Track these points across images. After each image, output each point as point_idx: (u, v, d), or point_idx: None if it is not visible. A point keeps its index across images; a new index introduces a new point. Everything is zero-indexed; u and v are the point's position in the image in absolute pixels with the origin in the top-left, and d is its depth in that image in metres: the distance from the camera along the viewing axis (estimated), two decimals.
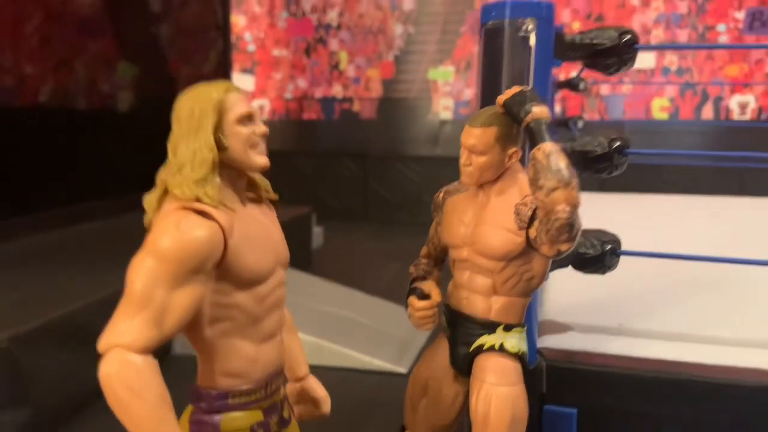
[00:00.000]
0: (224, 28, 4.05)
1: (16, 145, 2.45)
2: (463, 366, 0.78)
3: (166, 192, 0.62)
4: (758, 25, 3.40)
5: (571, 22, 3.61)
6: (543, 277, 0.76)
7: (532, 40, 0.83)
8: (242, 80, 4.19)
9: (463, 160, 0.74)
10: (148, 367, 0.55)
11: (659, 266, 1.29)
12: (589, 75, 3.06)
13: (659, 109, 3.60)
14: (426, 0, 3.94)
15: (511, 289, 0.75)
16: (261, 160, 0.64)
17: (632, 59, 0.90)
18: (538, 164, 0.65)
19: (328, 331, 1.86)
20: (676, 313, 1.11)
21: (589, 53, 0.89)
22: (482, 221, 0.74)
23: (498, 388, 0.74)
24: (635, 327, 1.03)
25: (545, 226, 0.66)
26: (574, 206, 0.64)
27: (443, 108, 3.97)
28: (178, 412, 0.58)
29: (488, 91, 0.86)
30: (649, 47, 3.05)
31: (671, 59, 3.56)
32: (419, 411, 0.83)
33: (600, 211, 1.05)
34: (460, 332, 0.78)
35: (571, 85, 2.35)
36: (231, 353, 0.62)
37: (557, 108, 3.57)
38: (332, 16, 4.07)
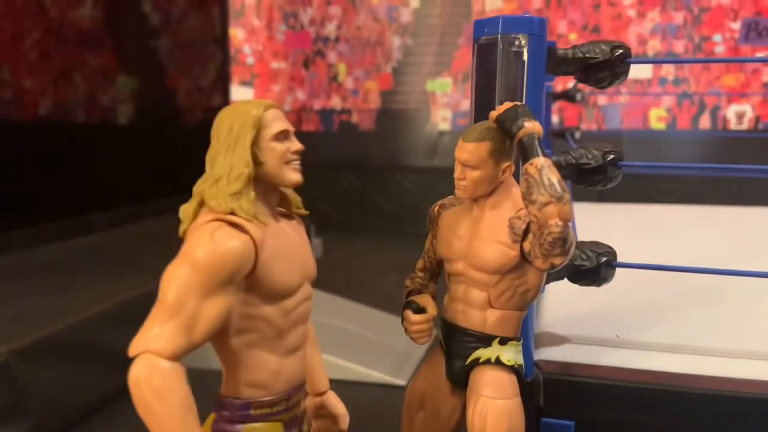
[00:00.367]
0: (223, 41, 4.07)
1: (15, 159, 2.46)
2: (460, 379, 0.78)
3: (201, 203, 0.64)
4: (754, 36, 3.42)
5: (567, 33, 3.63)
6: (538, 290, 0.76)
7: (525, 55, 0.84)
8: (241, 93, 4.20)
9: (457, 174, 0.74)
10: (176, 373, 0.56)
11: (656, 278, 1.30)
12: (586, 85, 3.08)
13: (656, 119, 3.61)
14: (423, 12, 3.96)
15: (507, 303, 0.75)
16: (295, 176, 0.66)
17: (625, 73, 0.91)
18: (531, 179, 0.66)
19: (326, 343, 1.85)
20: (673, 325, 1.11)
21: (582, 67, 0.90)
22: (477, 235, 0.75)
23: (494, 402, 0.74)
24: (632, 339, 1.03)
25: (538, 240, 0.66)
26: (567, 220, 0.65)
27: (441, 119, 3.98)
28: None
29: (481, 106, 0.86)
30: (641, 60, 3.07)
31: (668, 69, 3.57)
32: (416, 425, 0.83)
33: (598, 221, 1.05)
34: (455, 346, 0.78)
35: (568, 95, 2.37)
36: (255, 364, 0.64)
37: (555, 118, 3.58)
38: (330, 29, 4.09)
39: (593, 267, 0.93)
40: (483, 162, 0.73)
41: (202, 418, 0.62)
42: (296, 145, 0.66)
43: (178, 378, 0.56)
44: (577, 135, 2.43)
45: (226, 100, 4.10)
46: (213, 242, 0.58)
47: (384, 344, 1.97)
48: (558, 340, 1.03)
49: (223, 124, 0.65)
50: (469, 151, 0.73)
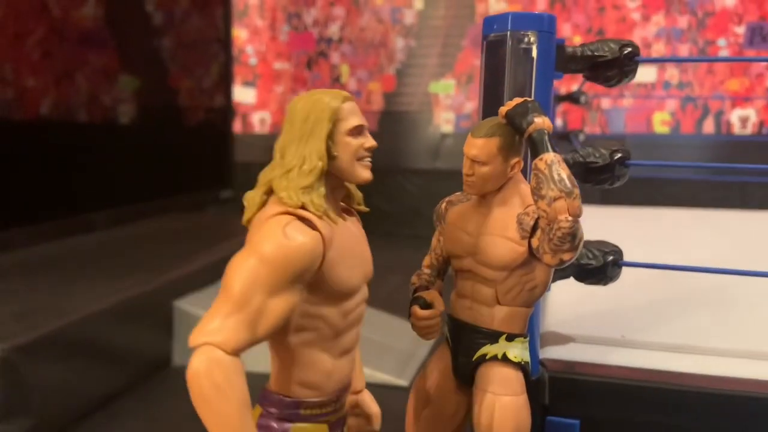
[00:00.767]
0: (226, 41, 4.08)
1: (17, 157, 2.46)
2: (466, 376, 0.78)
3: (268, 193, 0.62)
4: (759, 40, 3.42)
5: (572, 36, 3.63)
6: (545, 286, 0.76)
7: (534, 52, 0.84)
8: (244, 93, 4.20)
9: (465, 170, 0.74)
10: (236, 368, 0.54)
11: (661, 278, 1.30)
12: (590, 88, 3.07)
13: (660, 123, 3.61)
14: (427, 14, 3.96)
15: (514, 299, 0.75)
16: (366, 173, 0.64)
17: (633, 71, 0.90)
18: (540, 174, 0.65)
19: None
20: (678, 325, 1.11)
21: (590, 65, 0.90)
22: (485, 231, 0.75)
23: (501, 398, 0.74)
24: (638, 338, 1.03)
25: (547, 235, 0.66)
26: (577, 216, 0.65)
27: (444, 121, 3.98)
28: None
29: (490, 103, 0.86)
30: (650, 60, 3.07)
31: (672, 73, 3.58)
32: (421, 421, 0.82)
33: (601, 224, 1.05)
34: (462, 342, 0.78)
35: (572, 98, 2.37)
36: (310, 364, 0.62)
37: (558, 121, 3.58)
38: (334, 30, 4.09)
39: (600, 266, 0.93)
40: (492, 158, 0.72)
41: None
42: (370, 141, 0.64)
43: (238, 373, 0.54)
44: (581, 138, 2.43)
45: (228, 101, 4.11)
46: (285, 237, 0.56)
47: (386, 345, 1.97)
48: (563, 339, 1.03)
49: (298, 112, 0.62)
50: (478, 147, 0.73)
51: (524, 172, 0.77)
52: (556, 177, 0.65)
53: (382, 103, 4.07)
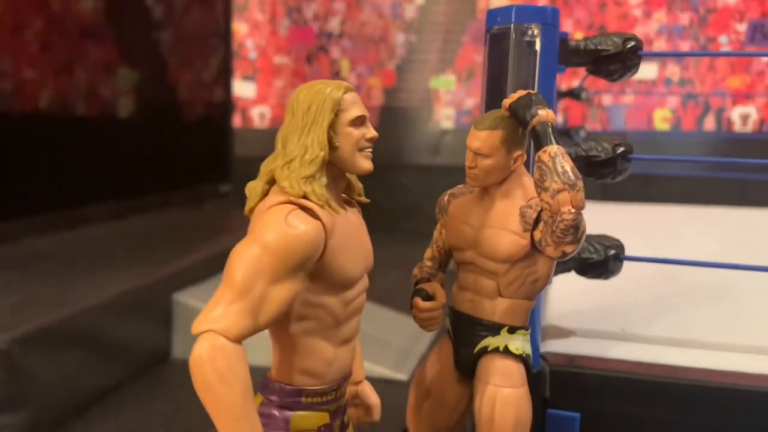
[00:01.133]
0: (226, 35, 4.07)
1: (16, 149, 2.45)
2: (467, 368, 0.78)
3: (269, 182, 0.62)
4: (760, 38, 3.42)
5: (573, 32, 3.62)
6: (547, 279, 0.76)
7: (537, 45, 0.84)
8: (243, 87, 4.20)
9: (468, 162, 0.74)
10: (239, 355, 0.54)
11: (662, 273, 1.30)
12: (591, 85, 3.07)
13: (661, 120, 3.61)
14: (428, 9, 3.95)
15: (516, 292, 0.75)
16: (367, 164, 0.64)
17: (636, 66, 0.90)
18: (544, 166, 0.65)
19: None
20: (678, 319, 1.11)
21: (593, 59, 0.90)
22: (487, 224, 0.75)
23: (502, 390, 0.74)
24: (638, 332, 1.03)
25: (550, 227, 0.66)
26: (580, 208, 0.65)
27: (444, 117, 3.98)
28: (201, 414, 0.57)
29: (493, 95, 0.86)
30: (653, 54, 3.06)
31: (673, 70, 3.57)
32: (422, 413, 0.83)
33: (600, 220, 1.05)
34: (464, 334, 0.78)
35: (573, 94, 2.37)
36: (311, 352, 0.63)
37: (559, 118, 3.57)
38: (334, 25, 4.08)
39: (601, 260, 0.93)
40: (495, 150, 0.72)
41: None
42: (371, 132, 0.64)
43: (241, 360, 0.54)
44: (582, 134, 2.43)
45: (228, 95, 4.10)
46: (287, 226, 0.57)
47: (385, 340, 1.97)
48: (564, 332, 1.03)
49: (300, 103, 0.62)
50: (481, 139, 0.73)
51: (527, 165, 0.77)
52: (559, 169, 0.65)
53: (382, 98, 4.06)
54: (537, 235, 0.70)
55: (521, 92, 0.72)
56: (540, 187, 0.66)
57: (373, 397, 0.79)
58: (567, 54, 0.88)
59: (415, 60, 4.00)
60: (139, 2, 3.39)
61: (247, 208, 0.63)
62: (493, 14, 0.86)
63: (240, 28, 4.18)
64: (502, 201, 0.74)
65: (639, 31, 3.60)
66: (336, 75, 4.12)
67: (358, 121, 0.63)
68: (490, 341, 0.76)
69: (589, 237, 0.94)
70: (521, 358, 0.76)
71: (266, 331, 0.61)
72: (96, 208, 2.78)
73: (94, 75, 3.02)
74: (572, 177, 0.64)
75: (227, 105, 4.10)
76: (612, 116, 3.68)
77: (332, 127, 0.62)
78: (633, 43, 0.89)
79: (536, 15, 0.84)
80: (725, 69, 3.51)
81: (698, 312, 1.16)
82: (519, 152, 0.73)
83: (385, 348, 1.91)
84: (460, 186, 0.82)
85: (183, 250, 2.27)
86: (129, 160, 3.03)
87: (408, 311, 0.79)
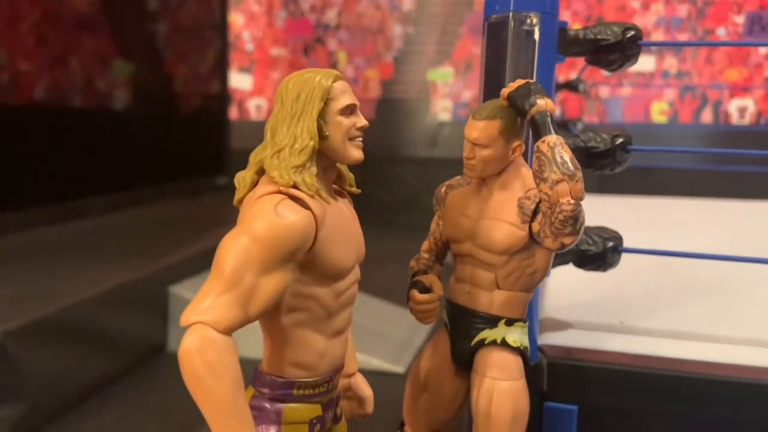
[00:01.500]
0: (222, 27, 4.04)
1: (11, 141, 2.44)
2: (465, 360, 0.77)
3: (259, 172, 0.62)
4: (758, 30, 3.41)
5: (571, 24, 3.60)
6: (545, 271, 0.75)
7: (536, 34, 0.83)
8: (240, 79, 4.18)
9: (466, 153, 0.73)
10: (229, 347, 0.53)
11: (660, 265, 1.29)
12: (589, 77, 3.06)
13: (658, 112, 3.60)
14: (425, 1, 3.93)
15: (514, 284, 0.74)
16: (357, 153, 0.63)
17: (635, 55, 0.90)
18: (543, 156, 0.65)
19: None
20: (676, 311, 1.11)
21: (592, 48, 0.89)
22: (485, 215, 0.74)
23: (499, 383, 0.73)
24: (636, 325, 1.03)
25: (549, 218, 0.65)
26: (579, 199, 0.64)
27: (442, 109, 3.96)
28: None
29: (491, 85, 0.85)
30: (652, 43, 3.04)
31: (671, 62, 3.56)
32: (419, 405, 0.82)
33: (598, 212, 1.04)
34: (461, 327, 0.77)
35: (571, 86, 2.35)
36: (302, 344, 0.62)
37: (557, 110, 3.56)
38: (331, 16, 4.06)
39: (599, 252, 0.93)
40: (493, 140, 0.72)
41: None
42: (362, 121, 0.63)
43: (231, 352, 0.53)
44: (579, 127, 2.42)
45: (224, 87, 4.08)
46: (277, 216, 0.56)
47: (383, 333, 1.97)
48: (562, 325, 1.03)
49: (290, 91, 0.61)
50: (479, 130, 0.72)
51: (525, 155, 0.76)
52: (558, 159, 0.64)
53: (379, 90, 4.04)
54: (535, 226, 0.69)
55: (520, 81, 0.71)
56: (539, 177, 0.65)
57: (365, 389, 0.78)
58: (566, 43, 0.87)
59: (412, 52, 3.98)
60: None
61: (236, 198, 0.62)
62: (491, 2, 0.85)
63: (236, 19, 4.16)
64: (500, 192, 0.74)
65: (637, 23, 3.57)
66: (333, 67, 4.10)
67: (348, 110, 0.62)
68: (488, 334, 0.75)
69: (588, 229, 0.94)
70: (519, 351, 0.75)
71: (256, 323, 0.61)
72: (92, 201, 2.77)
73: (89, 67, 3.00)
74: (571, 167, 0.64)
75: (224, 97, 4.09)
76: (609, 108, 3.67)
77: (322, 116, 0.61)
78: (633, 32, 0.88)
79: (535, 3, 0.83)
80: (723, 61, 3.50)
81: (697, 304, 1.16)
82: (517, 143, 0.72)
83: (383, 341, 1.91)
84: (458, 177, 0.81)
85: (179, 243, 2.27)
86: (125, 152, 3.02)
87: (406, 304, 0.79)
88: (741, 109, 3.50)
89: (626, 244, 0.95)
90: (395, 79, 4.02)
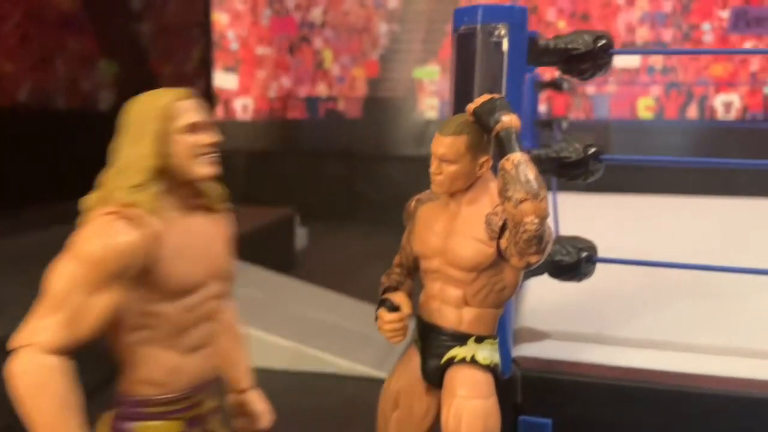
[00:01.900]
0: (206, 26, 4.02)
1: None
2: (435, 379, 0.76)
3: (104, 195, 0.62)
4: (742, 25, 3.41)
5: (556, 20, 3.60)
6: (515, 288, 0.74)
7: (505, 45, 0.82)
8: (225, 79, 4.15)
9: (433, 169, 0.72)
10: (56, 369, 0.55)
11: (641, 272, 1.28)
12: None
13: (644, 108, 3.60)
14: None
15: (483, 300, 0.73)
16: (204, 169, 0.63)
17: (607, 64, 0.89)
18: (507, 175, 0.64)
19: (308, 335, 1.84)
20: (655, 321, 1.10)
21: (564, 58, 0.88)
22: (453, 231, 0.73)
23: (469, 402, 0.72)
24: (613, 335, 1.02)
25: (514, 237, 0.64)
26: (543, 218, 0.63)
27: (428, 107, 3.95)
28: None
29: (461, 98, 0.84)
30: (624, 51, 3.05)
31: (656, 58, 3.56)
32: (391, 424, 0.81)
33: (583, 212, 1.03)
34: (431, 344, 0.76)
35: (555, 84, 2.35)
36: (151, 362, 0.62)
37: (543, 108, 3.56)
38: (316, 14, 4.04)
39: (573, 262, 0.92)
40: (460, 156, 0.71)
41: None
42: (209, 138, 0.64)
43: (57, 374, 0.55)
44: (565, 125, 2.41)
45: (209, 86, 4.06)
46: (103, 236, 0.57)
47: (367, 336, 1.95)
48: (538, 335, 1.02)
49: (130, 113, 0.63)
50: (446, 146, 0.71)
51: (494, 169, 0.75)
52: (522, 178, 0.63)
53: (365, 89, 4.03)
54: (503, 243, 0.68)
55: (485, 97, 0.70)
56: (503, 196, 0.64)
57: (258, 404, 0.77)
58: (536, 54, 0.86)
59: (398, 50, 3.97)
60: None
61: (79, 221, 0.63)
62: (460, 14, 0.84)
63: (220, 18, 4.13)
64: (468, 208, 0.73)
65: (622, 19, 3.58)
66: (319, 66, 4.09)
67: (192, 128, 0.63)
68: (457, 351, 0.74)
69: (561, 239, 0.93)
70: (489, 368, 0.74)
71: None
72: (74, 205, 2.74)
73: (73, 67, 2.98)
74: (535, 186, 0.62)
75: (209, 97, 4.07)
76: (596, 105, 3.66)
77: (163, 135, 0.61)
78: (604, 41, 0.87)
79: (503, 15, 0.81)
80: (708, 57, 3.50)
81: (678, 312, 1.14)
82: (485, 158, 0.71)
83: (366, 345, 1.90)
84: (428, 191, 0.80)
85: None
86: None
87: (375, 319, 0.78)
88: (726, 105, 3.50)
89: (608, 244, 0.94)
90: (382, 78, 4.00)
